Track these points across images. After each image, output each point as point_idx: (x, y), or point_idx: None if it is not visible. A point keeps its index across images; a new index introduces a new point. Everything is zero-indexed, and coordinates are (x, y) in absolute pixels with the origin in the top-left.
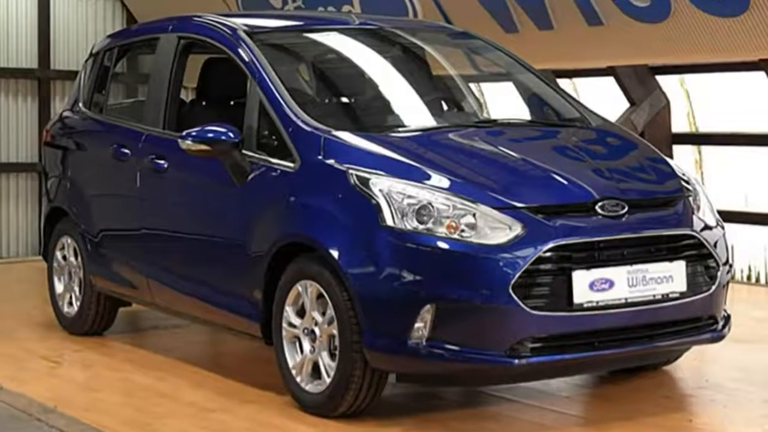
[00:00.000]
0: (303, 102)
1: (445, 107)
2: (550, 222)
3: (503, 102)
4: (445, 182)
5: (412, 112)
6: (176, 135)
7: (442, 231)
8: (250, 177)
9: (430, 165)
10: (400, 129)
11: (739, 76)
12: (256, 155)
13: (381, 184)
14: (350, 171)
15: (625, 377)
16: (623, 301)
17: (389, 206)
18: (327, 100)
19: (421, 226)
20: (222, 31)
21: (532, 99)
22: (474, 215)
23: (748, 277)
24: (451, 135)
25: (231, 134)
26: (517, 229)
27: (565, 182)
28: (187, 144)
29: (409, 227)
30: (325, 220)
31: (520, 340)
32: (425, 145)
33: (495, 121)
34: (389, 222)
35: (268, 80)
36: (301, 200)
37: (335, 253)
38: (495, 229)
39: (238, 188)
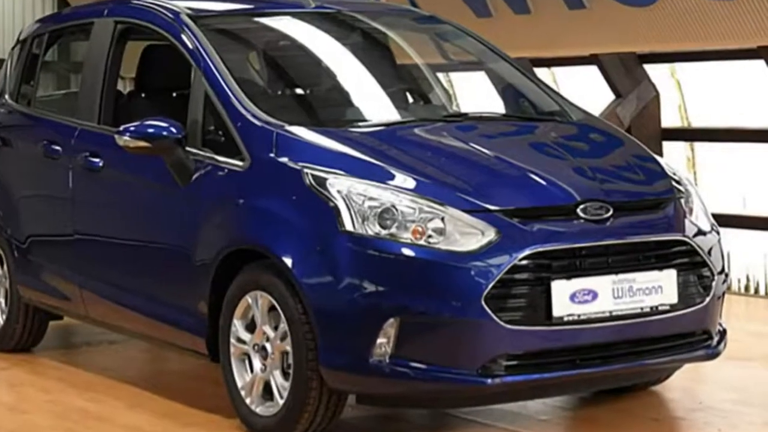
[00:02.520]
0: (253, 94)
1: (411, 99)
2: (526, 227)
3: (475, 94)
4: (410, 183)
5: (374, 105)
6: (113, 130)
7: (407, 237)
8: (194, 177)
9: (393, 163)
10: (360, 124)
11: (736, 64)
12: (201, 153)
13: (339, 185)
14: (305, 170)
15: (610, 398)
16: (608, 314)
17: (348, 209)
18: (280, 92)
19: (383, 231)
20: (163, 15)
21: (506, 90)
22: (442, 219)
23: (746, 288)
24: (416, 130)
25: (173, 129)
26: (490, 235)
27: (544, 183)
28: (124, 140)
29: (370, 232)
30: (278, 225)
31: (493, 358)
32: (388, 142)
33: (465, 114)
34: (348, 227)
35: (214, 70)
36: (251, 202)
37: (289, 261)
38: (465, 234)
39: (182, 189)
